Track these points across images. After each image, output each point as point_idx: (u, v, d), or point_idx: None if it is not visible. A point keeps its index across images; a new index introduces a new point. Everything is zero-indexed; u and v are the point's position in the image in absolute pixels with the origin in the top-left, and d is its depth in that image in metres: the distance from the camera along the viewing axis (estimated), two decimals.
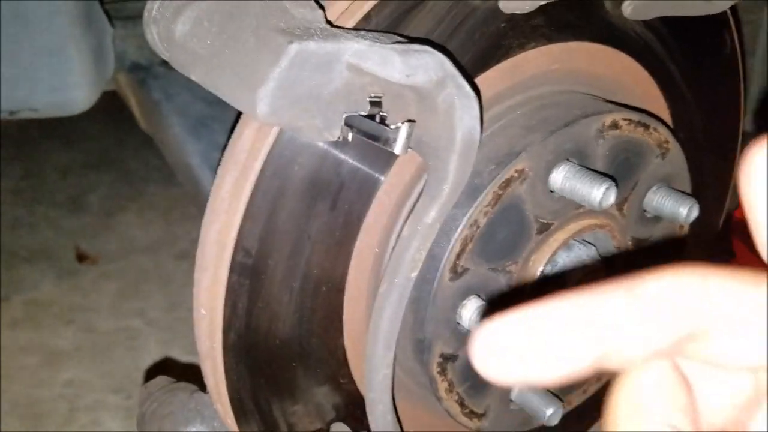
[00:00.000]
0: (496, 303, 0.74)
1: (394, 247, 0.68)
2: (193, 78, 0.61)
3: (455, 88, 0.57)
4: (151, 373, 1.67)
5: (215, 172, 1.44)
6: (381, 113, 0.59)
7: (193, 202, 2.45)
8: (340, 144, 0.66)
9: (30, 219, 2.43)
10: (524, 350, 0.32)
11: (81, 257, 2.25)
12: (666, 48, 0.85)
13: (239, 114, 0.68)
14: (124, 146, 2.80)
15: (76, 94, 1.17)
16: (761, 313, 0.31)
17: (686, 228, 0.87)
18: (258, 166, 0.63)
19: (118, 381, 1.81)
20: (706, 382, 0.35)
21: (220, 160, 1.45)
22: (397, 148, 0.58)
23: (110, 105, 1.50)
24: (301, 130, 0.57)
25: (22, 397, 1.75)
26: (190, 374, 0.88)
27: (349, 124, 0.59)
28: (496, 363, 0.32)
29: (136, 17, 1.41)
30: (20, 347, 1.89)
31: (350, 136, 0.58)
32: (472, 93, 0.57)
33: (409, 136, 0.58)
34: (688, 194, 0.81)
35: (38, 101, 1.14)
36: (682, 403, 0.34)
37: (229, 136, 0.69)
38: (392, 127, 0.59)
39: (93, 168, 2.70)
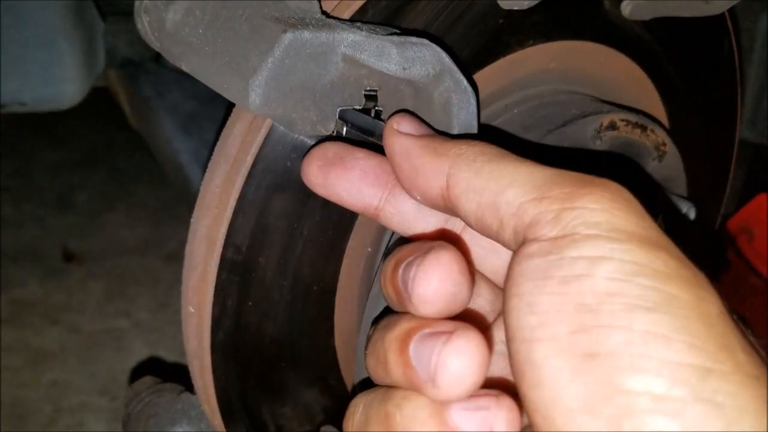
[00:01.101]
0: None
1: (387, 247, 0.66)
2: (184, 68, 0.59)
3: (453, 82, 0.55)
4: (138, 372, 1.65)
5: (205, 171, 1.42)
6: (376, 107, 0.58)
7: (182, 203, 2.43)
8: (334, 139, 0.64)
9: (17, 217, 2.41)
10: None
11: (68, 257, 2.23)
12: (664, 50, 0.84)
13: (230, 112, 0.67)
14: (113, 145, 2.77)
15: (65, 88, 1.15)
16: None
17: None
18: (250, 160, 0.61)
19: (103, 382, 1.79)
20: None
21: (209, 158, 1.44)
22: None
23: (100, 103, 1.48)
24: (294, 122, 0.56)
25: (6, 397, 1.72)
26: (178, 374, 0.86)
27: (343, 118, 0.57)
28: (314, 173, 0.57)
29: (128, 13, 1.39)
30: (4, 347, 1.86)
31: (345, 130, 0.57)
32: (469, 88, 0.56)
33: None
34: (684, 197, 0.80)
35: (27, 95, 1.12)
36: None
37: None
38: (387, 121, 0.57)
39: (82, 167, 2.67)
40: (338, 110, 0.57)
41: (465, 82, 0.56)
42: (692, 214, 0.79)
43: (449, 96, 0.56)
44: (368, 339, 0.53)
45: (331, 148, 0.56)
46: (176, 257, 2.23)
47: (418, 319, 0.46)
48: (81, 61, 1.22)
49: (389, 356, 0.46)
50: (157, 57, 1.49)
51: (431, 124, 0.58)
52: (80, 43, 1.22)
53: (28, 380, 1.77)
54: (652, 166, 0.78)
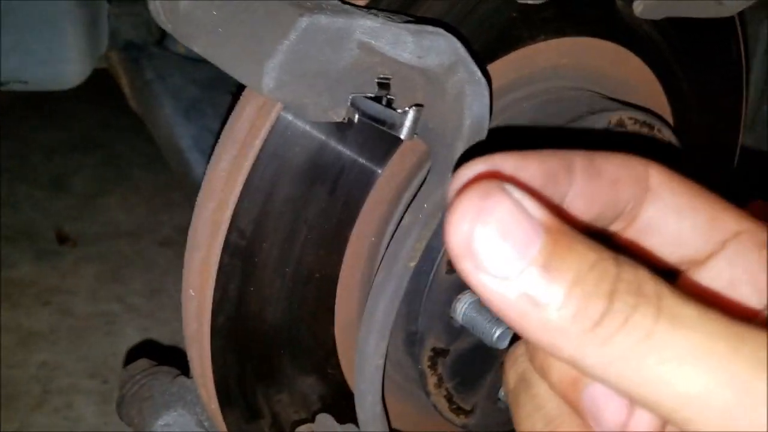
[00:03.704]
0: None
1: (392, 237, 0.66)
2: (196, 50, 0.59)
3: (466, 73, 0.55)
4: (133, 355, 1.64)
5: (205, 156, 1.42)
6: (388, 96, 0.57)
7: (178, 188, 2.43)
8: (344, 127, 0.64)
9: (11, 198, 2.39)
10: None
11: (61, 239, 2.22)
12: (673, 51, 0.84)
13: (234, 99, 0.66)
14: (110, 129, 2.76)
15: (67, 68, 1.15)
16: None
17: None
18: (258, 144, 0.61)
19: (94, 365, 1.78)
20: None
21: (211, 144, 1.43)
22: (404, 133, 0.57)
23: (97, 87, 1.47)
24: (306, 108, 0.55)
25: None
26: (171, 359, 0.86)
27: (355, 105, 0.57)
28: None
29: None
30: None
31: (356, 118, 0.56)
32: (483, 80, 0.56)
33: (416, 121, 0.57)
34: None
35: (29, 74, 1.11)
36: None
37: (224, 121, 0.67)
38: (399, 111, 0.57)
39: (78, 150, 2.66)
40: (350, 97, 0.56)
41: (479, 73, 0.55)
42: None
43: (462, 87, 0.55)
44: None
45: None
46: (171, 243, 2.22)
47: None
48: (84, 42, 1.21)
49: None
50: (160, 41, 1.48)
51: (443, 116, 0.58)
52: (84, 24, 1.21)
53: (18, 360, 1.77)
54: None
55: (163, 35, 1.47)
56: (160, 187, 2.47)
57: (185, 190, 1.57)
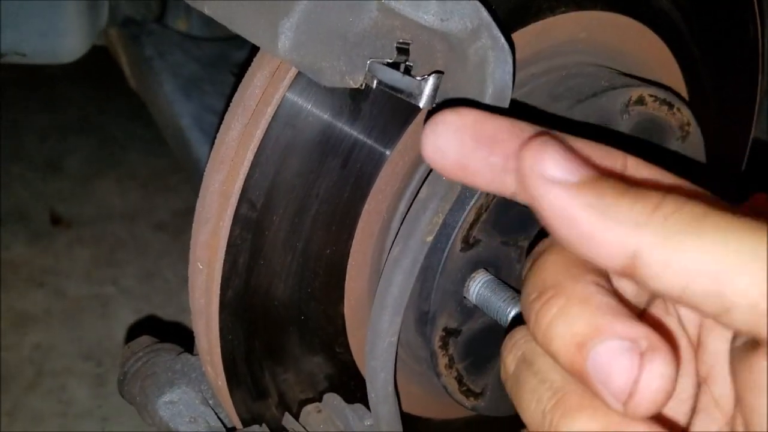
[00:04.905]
0: (504, 278, 0.70)
1: (406, 212, 0.64)
2: (207, 11, 0.56)
3: (490, 39, 0.53)
4: (134, 332, 1.62)
5: (206, 135, 1.39)
6: (407, 63, 0.55)
7: (174, 173, 2.40)
8: (359, 97, 0.62)
9: (4, 179, 2.36)
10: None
11: (55, 220, 2.19)
12: (690, 28, 0.82)
13: (237, 78, 0.64)
14: (105, 112, 2.73)
15: (66, 41, 1.12)
16: None
17: None
18: (270, 112, 0.59)
19: (87, 348, 1.76)
20: None
21: (211, 122, 1.40)
22: (422, 102, 0.55)
23: (93, 68, 1.44)
24: (322, 72, 0.53)
25: None
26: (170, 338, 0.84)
27: (372, 71, 0.55)
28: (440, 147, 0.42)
29: None
30: None
31: (375, 84, 0.54)
32: (507, 46, 0.54)
33: (436, 89, 0.55)
34: (704, 180, 0.78)
35: (27, 46, 1.09)
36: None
37: (230, 98, 0.64)
38: (418, 78, 0.55)
39: (72, 132, 2.63)
40: (369, 62, 0.54)
41: (503, 39, 0.53)
42: None
43: (486, 54, 0.53)
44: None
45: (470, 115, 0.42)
46: (165, 227, 2.20)
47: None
48: (84, 15, 1.18)
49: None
50: (160, 18, 1.45)
51: (463, 84, 0.56)
52: None
53: (11, 342, 1.74)
54: (675, 146, 0.76)
55: (163, 12, 1.44)
56: (155, 171, 2.44)
57: (185, 170, 1.54)
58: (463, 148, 0.41)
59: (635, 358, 0.36)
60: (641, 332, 0.36)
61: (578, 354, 0.37)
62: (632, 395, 0.35)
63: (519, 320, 0.46)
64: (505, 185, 0.41)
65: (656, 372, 0.35)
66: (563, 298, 0.39)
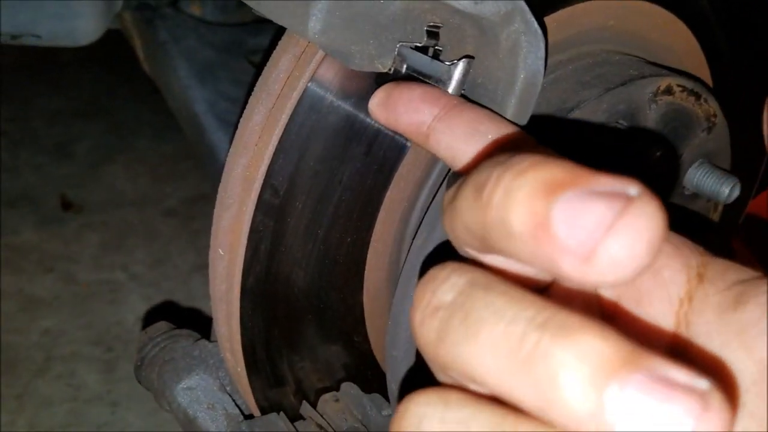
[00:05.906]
0: None
1: (431, 200, 0.63)
2: None
3: (523, 23, 0.52)
4: (151, 317, 1.61)
5: (220, 121, 1.38)
6: (436, 47, 0.54)
7: (184, 160, 2.39)
8: (384, 83, 0.61)
9: (13, 163, 2.35)
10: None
11: (66, 205, 2.18)
12: (717, 17, 0.81)
13: (257, 66, 0.63)
14: (114, 97, 2.72)
15: (82, 23, 1.11)
16: None
17: (720, 210, 0.84)
18: (296, 96, 0.58)
19: (96, 333, 1.75)
20: None
21: (225, 109, 1.39)
22: (451, 87, 0.54)
23: (102, 53, 1.42)
24: (352, 55, 0.52)
25: None
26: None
27: (401, 54, 0.54)
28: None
29: None
30: None
31: (404, 68, 0.53)
32: (540, 32, 0.53)
33: (465, 74, 0.54)
34: (730, 172, 0.77)
35: (42, 27, 1.08)
36: None
37: (245, 86, 0.63)
38: (447, 63, 0.54)
39: (81, 117, 2.62)
40: (398, 46, 0.53)
41: (536, 24, 0.52)
42: (737, 191, 0.76)
43: (518, 39, 0.52)
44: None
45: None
46: (175, 213, 2.19)
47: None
48: None
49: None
50: (175, 2, 1.44)
51: (494, 70, 0.54)
52: None
53: (21, 327, 1.74)
54: (701, 138, 0.75)
55: None
56: (165, 158, 2.43)
57: (194, 156, 1.53)
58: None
59: (616, 204, 0.29)
60: (630, 180, 0.30)
61: (544, 201, 0.30)
62: (594, 250, 0.29)
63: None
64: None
65: (639, 224, 0.29)
66: (516, 168, 0.33)
